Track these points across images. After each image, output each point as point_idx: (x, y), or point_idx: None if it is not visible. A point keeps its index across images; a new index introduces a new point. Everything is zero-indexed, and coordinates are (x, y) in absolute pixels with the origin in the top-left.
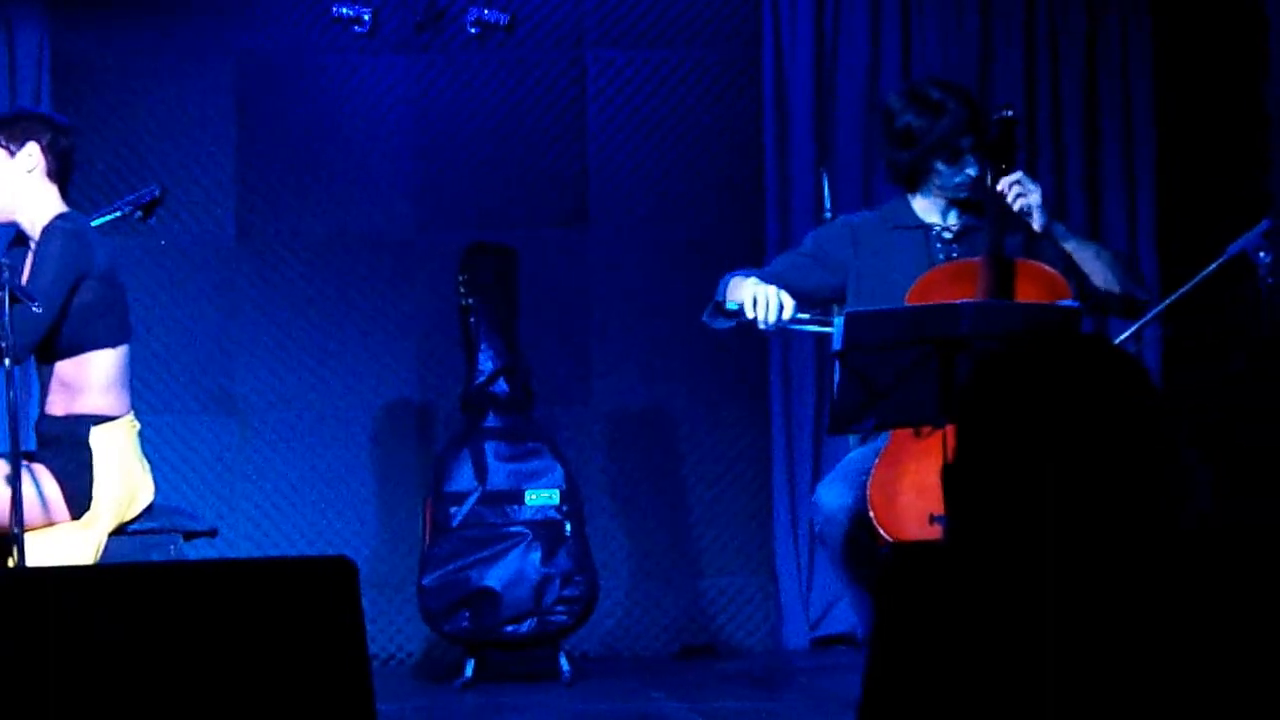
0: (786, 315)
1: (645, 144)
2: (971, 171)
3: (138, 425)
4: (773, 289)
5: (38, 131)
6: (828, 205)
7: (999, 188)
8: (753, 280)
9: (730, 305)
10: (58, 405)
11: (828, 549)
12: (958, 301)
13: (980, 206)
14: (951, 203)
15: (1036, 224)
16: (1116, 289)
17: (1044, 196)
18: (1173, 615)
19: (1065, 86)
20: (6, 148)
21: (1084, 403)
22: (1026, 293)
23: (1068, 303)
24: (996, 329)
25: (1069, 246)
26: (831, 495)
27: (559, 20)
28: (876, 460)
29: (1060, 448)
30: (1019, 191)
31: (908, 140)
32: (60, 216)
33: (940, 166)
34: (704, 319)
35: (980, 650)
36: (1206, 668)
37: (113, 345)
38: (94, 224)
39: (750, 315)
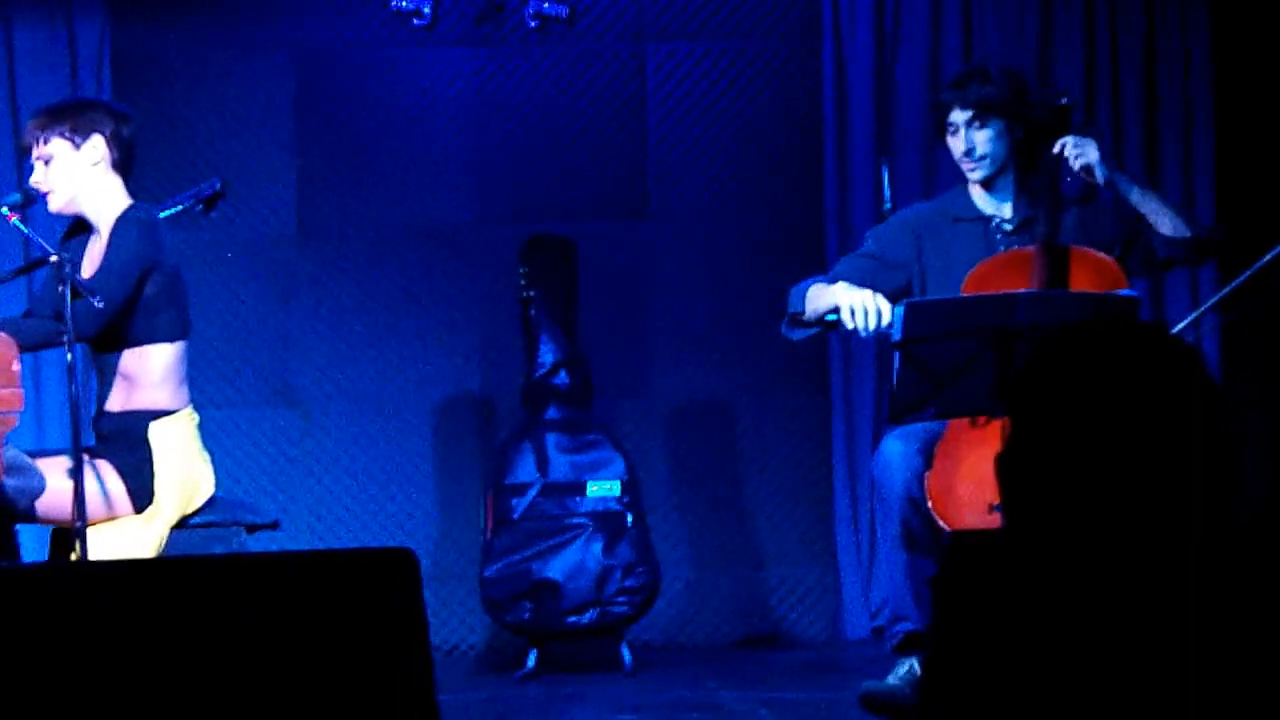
0: (885, 321)
1: (705, 136)
2: (961, 146)
3: (197, 417)
4: (869, 293)
5: (102, 123)
6: (888, 197)
7: (1054, 151)
8: (843, 285)
9: (830, 317)
10: (116, 400)
11: (882, 498)
12: (1016, 291)
13: (1038, 194)
14: (993, 186)
15: (1099, 177)
16: (1188, 233)
17: (1101, 150)
18: (1219, 604)
19: (1124, 77)
20: (71, 139)
21: (1140, 392)
22: (1081, 280)
23: (1127, 292)
24: (1055, 318)
25: (1134, 198)
26: (893, 447)
27: (619, 12)
28: (936, 448)
29: (1116, 437)
30: (1076, 152)
31: (932, 111)
32: (134, 207)
33: (947, 139)
34: (783, 332)
35: (1039, 638)
36: (1258, 658)
37: (173, 340)
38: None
39: (850, 325)
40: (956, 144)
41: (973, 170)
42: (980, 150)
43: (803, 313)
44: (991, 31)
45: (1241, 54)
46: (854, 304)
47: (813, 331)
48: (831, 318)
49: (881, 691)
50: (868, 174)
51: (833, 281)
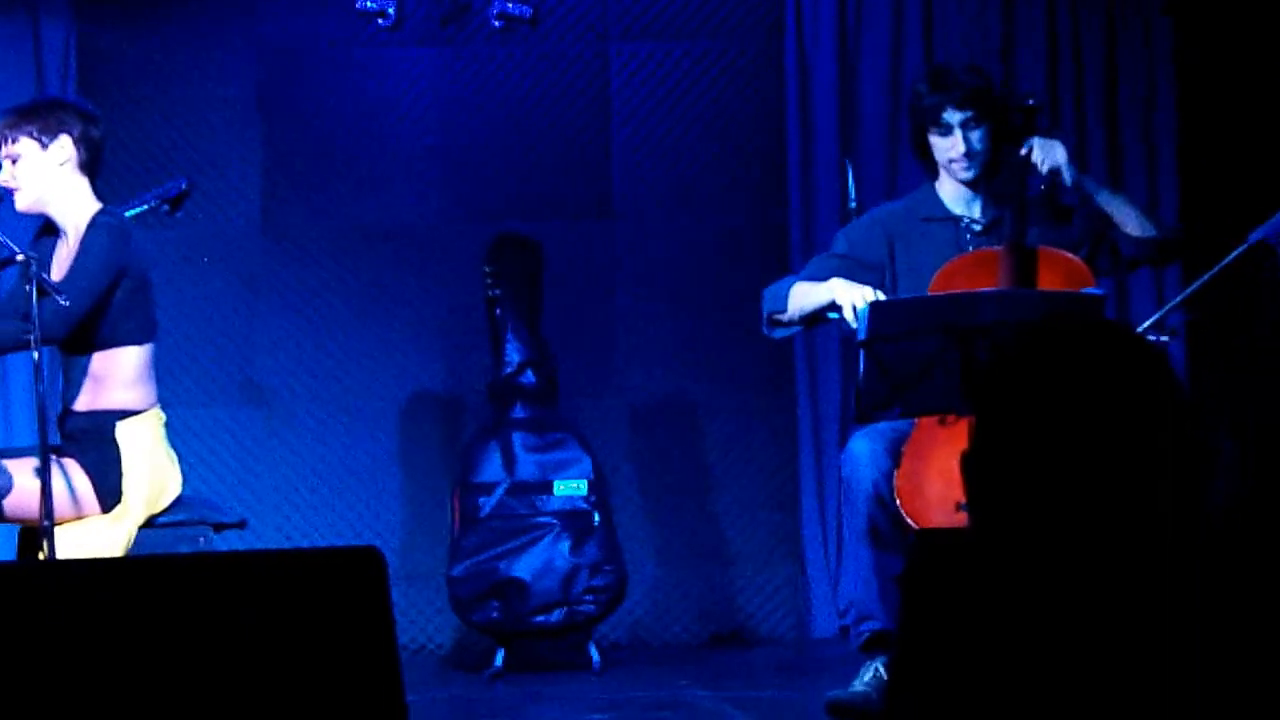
0: None
1: (669, 135)
2: (961, 147)
3: (164, 417)
4: (868, 289)
5: (70, 123)
6: (852, 195)
7: (1022, 152)
8: (840, 282)
9: (831, 315)
10: (84, 399)
11: (850, 497)
12: (981, 290)
13: (1005, 195)
14: (972, 188)
15: (1067, 179)
16: (1154, 233)
17: (1068, 152)
18: (1189, 601)
19: (1088, 74)
20: (39, 139)
21: (1105, 391)
22: (1049, 281)
23: (1091, 290)
24: (1019, 317)
25: (1100, 199)
26: (861, 446)
27: (582, 12)
28: (904, 447)
29: (1081, 436)
30: (1044, 155)
31: (910, 111)
32: (104, 212)
33: (934, 139)
34: (765, 332)
35: (1006, 636)
36: (1228, 658)
37: (141, 342)
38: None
39: (854, 322)
40: (951, 144)
41: (965, 170)
42: (975, 150)
43: (782, 311)
44: (953, 30)
45: (1203, 53)
46: (855, 300)
47: (795, 330)
48: (833, 315)
49: (846, 699)
50: (832, 171)
51: (821, 280)
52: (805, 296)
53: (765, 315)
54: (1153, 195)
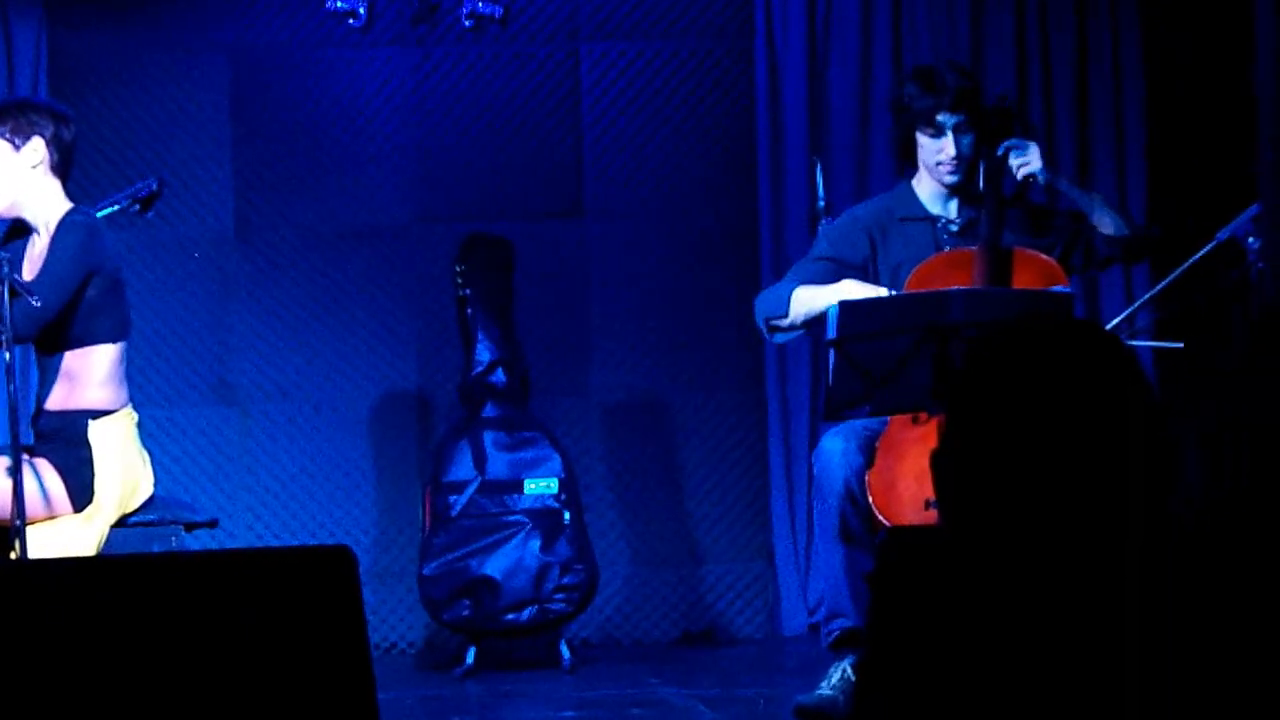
0: None
1: (639, 135)
2: (951, 150)
3: (135, 416)
4: (884, 290)
5: (42, 125)
6: (821, 195)
7: (997, 154)
8: (856, 284)
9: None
10: (56, 399)
11: (821, 494)
12: (949, 289)
13: (981, 196)
14: (953, 191)
15: (1041, 180)
16: (1128, 232)
17: (1041, 153)
18: (1160, 601)
19: (1057, 72)
20: (11, 141)
21: (1076, 390)
22: (1023, 281)
23: (1060, 288)
24: (988, 316)
25: (1075, 198)
26: (834, 444)
27: (553, 13)
28: (877, 444)
29: (1050, 435)
30: (1019, 158)
31: (898, 109)
32: (76, 211)
33: (922, 139)
34: (766, 337)
35: (975, 634)
36: (1198, 656)
37: (114, 341)
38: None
39: None
40: (941, 146)
41: (951, 174)
42: (965, 155)
43: (783, 316)
44: (922, 31)
45: (1172, 52)
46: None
47: (797, 333)
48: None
49: (813, 703)
50: (801, 172)
51: (824, 283)
52: (813, 301)
53: (763, 322)
54: (1121, 193)
